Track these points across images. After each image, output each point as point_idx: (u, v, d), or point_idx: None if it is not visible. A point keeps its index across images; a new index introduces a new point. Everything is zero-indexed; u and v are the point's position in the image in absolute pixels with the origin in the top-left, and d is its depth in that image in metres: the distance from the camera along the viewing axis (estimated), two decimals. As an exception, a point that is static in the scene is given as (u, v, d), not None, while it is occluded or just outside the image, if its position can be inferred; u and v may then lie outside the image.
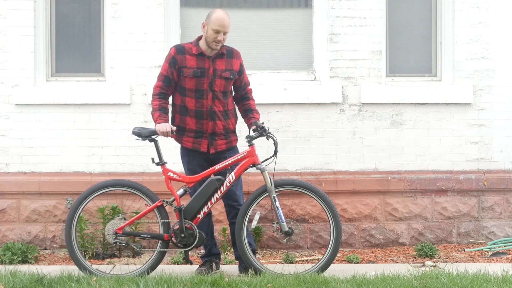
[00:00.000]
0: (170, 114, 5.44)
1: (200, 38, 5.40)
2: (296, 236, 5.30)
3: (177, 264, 6.07)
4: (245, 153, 5.27)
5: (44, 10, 6.74)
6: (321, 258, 5.28)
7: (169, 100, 5.40)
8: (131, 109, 6.69)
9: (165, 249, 5.26)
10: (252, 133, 5.32)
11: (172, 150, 6.17)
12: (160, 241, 5.27)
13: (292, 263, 6.07)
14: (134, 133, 5.26)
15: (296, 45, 6.95)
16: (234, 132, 5.51)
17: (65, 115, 6.66)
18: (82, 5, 6.90)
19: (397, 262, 6.18)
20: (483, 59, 6.86)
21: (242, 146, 5.56)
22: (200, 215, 5.24)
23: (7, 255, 6.13)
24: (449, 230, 6.77)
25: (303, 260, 6.24)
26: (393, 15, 6.99)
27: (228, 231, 6.24)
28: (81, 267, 5.25)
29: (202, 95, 5.31)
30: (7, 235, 6.55)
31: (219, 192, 5.23)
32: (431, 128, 6.85)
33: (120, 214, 5.42)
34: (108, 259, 6.25)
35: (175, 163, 6.03)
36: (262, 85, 6.68)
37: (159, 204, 5.26)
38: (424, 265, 5.90)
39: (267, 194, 5.22)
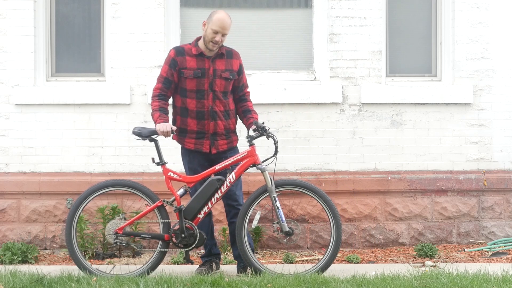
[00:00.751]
0: (170, 116, 5.44)
1: (199, 38, 5.40)
2: (296, 236, 5.31)
3: (177, 264, 6.07)
4: (246, 153, 5.27)
5: (44, 10, 6.74)
6: (322, 258, 5.28)
7: (168, 101, 5.40)
8: (131, 109, 6.69)
9: (165, 249, 5.26)
10: (252, 133, 5.32)
11: (172, 150, 6.18)
12: (160, 241, 5.27)
13: (292, 263, 6.07)
14: (134, 133, 5.26)
15: (296, 45, 6.95)
16: (234, 132, 5.51)
17: (65, 115, 6.66)
18: (82, 5, 6.90)
19: (397, 262, 6.18)
20: (483, 59, 6.86)
21: (242, 146, 5.57)
22: (201, 215, 5.24)
23: (7, 255, 6.13)
24: (449, 230, 6.77)
25: (303, 260, 6.24)
26: (393, 15, 6.99)
27: (228, 231, 6.24)
28: (81, 267, 5.25)
29: (203, 95, 5.31)
30: (7, 235, 6.55)
31: (219, 192, 5.23)
32: (431, 128, 6.85)
33: (120, 214, 5.42)
34: (108, 259, 6.25)
35: (175, 163, 6.03)
36: (262, 85, 6.68)
37: (159, 204, 5.26)
38: (424, 265, 5.90)
39: (268, 194, 5.22)
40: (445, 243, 6.77)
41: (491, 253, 6.41)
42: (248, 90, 5.60)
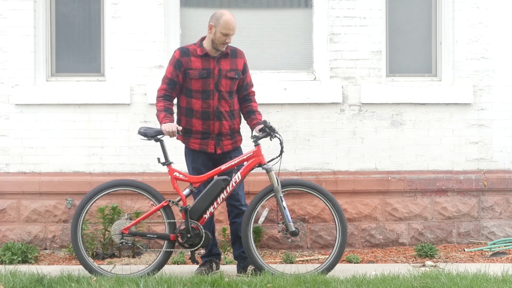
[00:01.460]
0: (175, 116, 5.45)
1: (203, 38, 5.41)
2: (301, 236, 5.31)
3: (177, 264, 6.07)
4: (251, 153, 5.27)
5: (44, 10, 6.74)
6: (327, 258, 5.27)
7: (173, 102, 5.41)
8: (131, 109, 6.69)
9: (171, 249, 5.26)
10: (258, 133, 5.32)
11: (172, 150, 6.17)
12: (166, 241, 5.28)
13: (292, 263, 6.07)
14: (140, 133, 5.25)
15: (296, 45, 6.95)
16: (239, 132, 5.52)
17: (65, 115, 6.66)
18: (82, 5, 6.90)
19: (397, 262, 6.18)
20: (483, 59, 6.86)
21: (247, 147, 5.59)
22: (206, 215, 5.25)
23: (7, 255, 6.13)
24: (449, 230, 6.77)
25: (303, 260, 6.24)
26: (393, 15, 6.99)
27: (228, 231, 6.24)
28: (87, 267, 5.26)
29: (209, 95, 5.32)
30: (7, 235, 6.55)
31: (225, 192, 5.23)
32: (431, 128, 6.85)
33: (126, 214, 5.41)
34: (108, 259, 6.25)
35: (175, 163, 6.02)
36: (262, 85, 6.68)
37: (165, 204, 5.26)
38: (424, 265, 5.90)
39: (274, 194, 5.22)
40: (445, 243, 6.77)
41: (491, 253, 6.41)
42: (253, 90, 5.60)
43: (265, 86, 6.70)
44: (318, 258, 6.31)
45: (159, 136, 5.25)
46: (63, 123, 6.66)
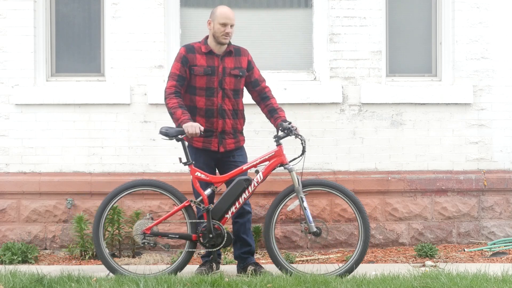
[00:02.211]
0: None
1: (207, 37, 5.43)
2: (323, 237, 5.31)
3: (177, 264, 6.07)
4: (273, 153, 5.26)
5: (44, 10, 6.74)
6: (349, 259, 5.25)
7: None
8: (131, 109, 6.69)
9: (193, 249, 5.27)
10: (280, 133, 5.31)
11: (172, 150, 6.18)
12: (188, 241, 5.27)
13: (292, 263, 6.06)
14: (161, 132, 5.21)
15: (296, 45, 6.95)
16: (241, 132, 5.53)
17: (65, 115, 6.66)
18: (82, 5, 6.90)
19: (397, 262, 6.18)
20: (483, 59, 6.86)
21: (248, 147, 5.61)
22: (228, 215, 5.24)
23: (7, 255, 6.13)
24: (449, 230, 6.77)
25: (303, 260, 6.24)
26: (393, 15, 6.99)
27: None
28: (110, 267, 5.26)
29: (213, 93, 5.33)
30: (7, 235, 6.55)
31: (247, 192, 5.22)
32: (431, 128, 6.84)
33: (147, 214, 5.39)
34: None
35: (175, 163, 6.03)
36: (262, 85, 6.68)
37: (187, 204, 5.25)
38: (424, 265, 5.90)
39: (295, 194, 5.22)
40: (445, 243, 6.77)
41: (491, 253, 6.41)
42: (266, 85, 5.57)
43: (265, 86, 6.70)
44: (318, 258, 6.31)
45: (180, 136, 5.19)
46: (63, 123, 6.66)
